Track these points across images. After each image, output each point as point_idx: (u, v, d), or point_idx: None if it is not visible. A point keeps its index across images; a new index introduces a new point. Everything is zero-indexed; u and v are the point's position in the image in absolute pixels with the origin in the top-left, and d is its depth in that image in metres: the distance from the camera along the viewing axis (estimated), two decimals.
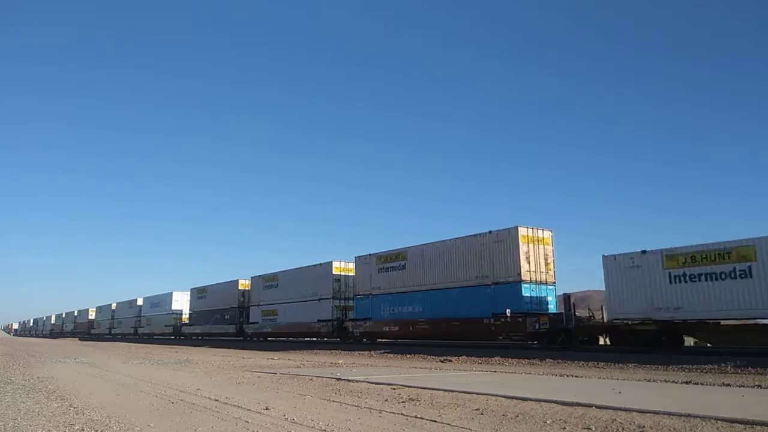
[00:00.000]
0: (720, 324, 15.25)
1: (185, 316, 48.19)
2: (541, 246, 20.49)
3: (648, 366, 12.53)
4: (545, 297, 20.10)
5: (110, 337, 63.15)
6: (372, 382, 9.60)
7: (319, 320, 29.56)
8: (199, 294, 45.53)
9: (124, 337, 57.17)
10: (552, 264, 20.64)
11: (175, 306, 49.37)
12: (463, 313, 21.32)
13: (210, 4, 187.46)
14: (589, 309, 20.88)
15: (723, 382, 9.16)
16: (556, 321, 18.72)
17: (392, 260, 25.49)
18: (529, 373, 11.63)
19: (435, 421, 5.73)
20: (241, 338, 37.71)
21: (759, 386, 8.39)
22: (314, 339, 31.31)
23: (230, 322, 39.17)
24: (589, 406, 6.33)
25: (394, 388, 8.59)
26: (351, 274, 29.20)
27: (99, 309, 73.13)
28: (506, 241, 20.37)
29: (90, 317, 74.85)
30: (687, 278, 15.39)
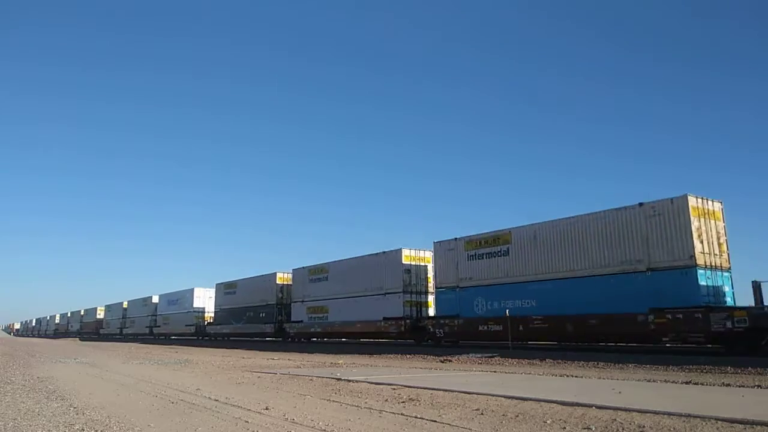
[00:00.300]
0: None
1: (208, 315, 44.23)
2: (712, 221, 16.30)
3: (648, 366, 12.53)
4: (721, 287, 15.83)
5: (121, 337, 59.37)
6: (372, 382, 9.60)
7: (385, 318, 25.26)
8: (226, 289, 40.65)
9: (136, 338, 53.51)
10: (725, 244, 16.46)
11: (197, 303, 45.10)
12: (603, 308, 16.93)
13: (209, 4, 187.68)
14: None
15: (723, 382, 9.16)
16: (760, 318, 14.03)
17: (489, 244, 21.10)
18: (529, 373, 11.63)
19: (435, 421, 5.73)
20: (281, 339, 33.65)
21: (759, 386, 8.38)
22: (379, 340, 26.97)
23: (267, 321, 34.85)
24: (589, 406, 6.34)
25: (394, 388, 8.60)
26: (424, 263, 25.44)
27: (108, 308, 68.98)
28: (668, 215, 16.15)
29: (98, 316, 71.17)
30: None
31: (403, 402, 7.22)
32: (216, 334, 41.52)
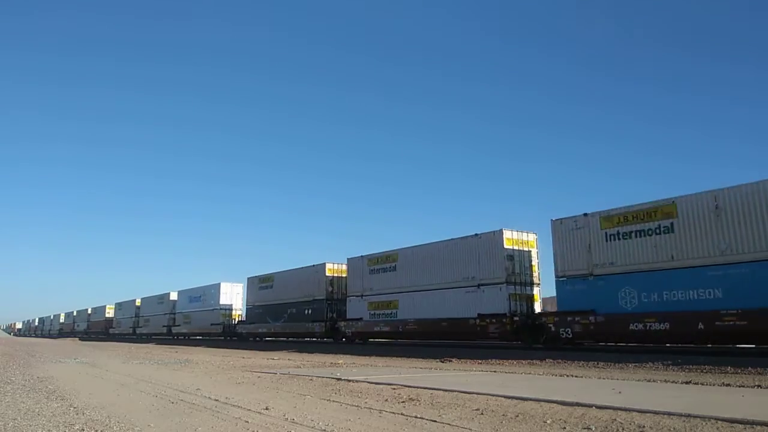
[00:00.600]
0: None
1: (236, 312, 40.42)
2: None
3: (648, 366, 12.53)
4: None
5: (135, 337, 55.63)
6: (372, 382, 9.60)
7: (480, 315, 20.62)
8: (261, 284, 36.12)
9: (150, 338, 50.12)
10: None
11: (223, 300, 40.99)
12: None
13: None
14: None
15: (723, 382, 9.16)
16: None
17: (642, 220, 16.65)
18: (529, 373, 11.63)
19: (435, 421, 5.73)
20: (331, 340, 29.11)
21: (759, 386, 8.38)
22: (471, 341, 21.91)
23: (315, 319, 30.15)
24: (589, 406, 6.33)
25: (394, 388, 8.59)
26: (527, 248, 21.07)
27: (119, 306, 64.72)
28: None
29: (107, 315, 67.10)
30: None
31: (403, 402, 7.22)
32: (249, 334, 36.96)
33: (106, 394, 8.82)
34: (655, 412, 5.80)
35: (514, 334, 19.62)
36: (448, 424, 5.60)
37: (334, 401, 7.48)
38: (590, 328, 17.48)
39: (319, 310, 30.04)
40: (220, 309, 41.08)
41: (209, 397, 7.98)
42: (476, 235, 21.72)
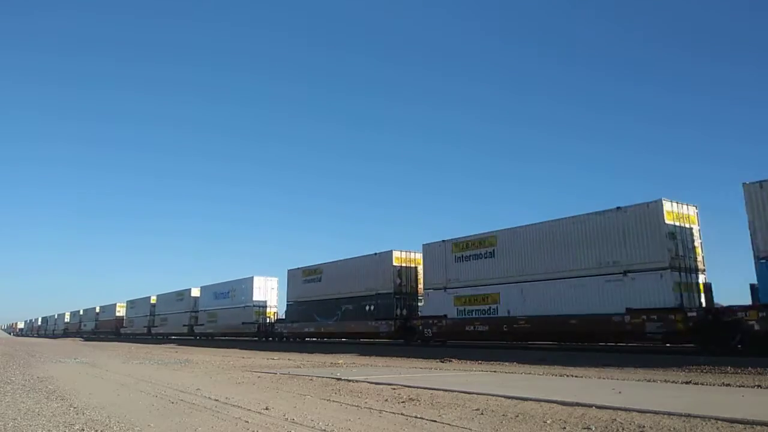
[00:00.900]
0: None
1: (271, 310, 36.46)
2: None
3: (648, 366, 12.53)
4: None
5: (150, 337, 50.87)
6: (372, 382, 9.60)
7: (629, 310, 16.54)
8: (306, 276, 31.76)
9: (166, 338, 46.14)
10: None
11: (256, 296, 36.83)
12: None
13: None
14: None
15: (723, 382, 9.16)
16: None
17: None
18: (529, 373, 11.63)
19: (435, 421, 5.73)
20: (402, 341, 24.91)
21: (759, 386, 8.39)
22: (615, 344, 17.92)
23: (380, 317, 25.60)
24: (589, 406, 6.33)
25: (394, 388, 8.59)
26: (689, 224, 17.05)
27: (131, 303, 60.57)
28: None
29: (118, 314, 63.10)
30: None
31: (403, 402, 7.22)
32: (292, 334, 32.48)
33: (106, 394, 8.82)
34: (655, 412, 5.80)
35: (687, 335, 15.53)
36: (448, 424, 5.60)
37: (334, 401, 7.48)
38: None
39: (385, 306, 25.57)
40: (254, 306, 36.80)
41: (209, 397, 7.98)
42: (619, 208, 17.62)
